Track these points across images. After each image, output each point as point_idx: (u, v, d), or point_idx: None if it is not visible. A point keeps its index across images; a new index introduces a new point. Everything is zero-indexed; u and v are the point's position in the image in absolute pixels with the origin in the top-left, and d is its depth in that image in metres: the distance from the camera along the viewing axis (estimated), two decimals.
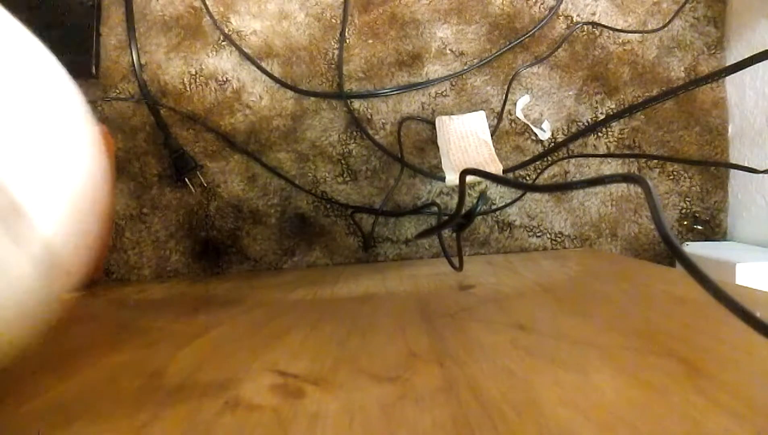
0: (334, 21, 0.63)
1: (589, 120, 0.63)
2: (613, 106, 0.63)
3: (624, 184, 0.63)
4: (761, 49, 0.43)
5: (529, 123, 0.63)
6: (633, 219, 0.63)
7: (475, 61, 0.63)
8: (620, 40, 0.63)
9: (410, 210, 0.63)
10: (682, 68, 0.63)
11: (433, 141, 0.62)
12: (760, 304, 0.33)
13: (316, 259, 0.64)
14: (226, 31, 0.63)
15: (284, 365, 0.27)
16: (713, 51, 0.63)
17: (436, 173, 0.62)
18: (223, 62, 0.63)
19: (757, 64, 0.45)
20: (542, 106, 0.63)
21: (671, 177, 0.63)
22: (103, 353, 0.32)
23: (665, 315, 0.32)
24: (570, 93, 0.63)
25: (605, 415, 0.19)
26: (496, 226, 0.63)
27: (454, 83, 0.63)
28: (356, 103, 0.63)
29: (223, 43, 0.63)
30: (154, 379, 0.26)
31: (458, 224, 0.45)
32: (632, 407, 0.20)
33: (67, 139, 0.21)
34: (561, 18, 0.63)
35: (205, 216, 0.64)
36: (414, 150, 0.63)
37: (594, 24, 0.63)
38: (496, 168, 0.56)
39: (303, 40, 0.63)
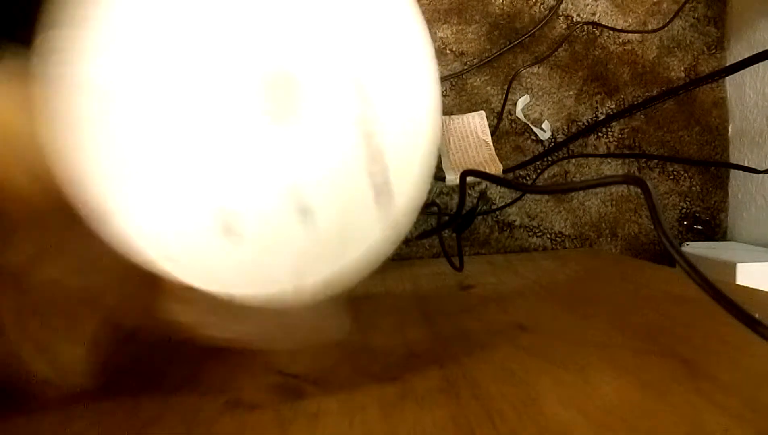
0: None
1: (589, 120, 0.63)
2: (613, 106, 0.63)
3: (624, 184, 0.63)
4: (761, 49, 0.43)
5: (529, 123, 0.63)
6: (633, 219, 0.63)
7: (475, 61, 0.63)
8: (620, 40, 0.63)
9: None
10: (682, 68, 0.63)
11: None
12: (760, 305, 0.33)
13: None
14: None
15: (284, 365, 0.27)
16: (713, 51, 0.63)
17: (436, 173, 0.62)
18: None
19: (757, 64, 0.45)
20: (542, 106, 0.63)
21: (671, 177, 0.63)
22: None
23: (665, 315, 0.32)
24: (570, 93, 0.63)
25: (605, 415, 0.19)
26: (496, 226, 0.63)
27: (454, 83, 0.63)
28: None
29: None
30: (155, 379, 0.26)
31: (458, 224, 0.45)
32: (632, 407, 0.20)
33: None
34: (561, 18, 0.63)
35: None
36: None
37: (594, 24, 0.63)
38: (496, 168, 0.56)
39: None
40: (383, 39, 0.21)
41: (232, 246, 0.20)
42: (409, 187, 0.22)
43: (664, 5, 0.63)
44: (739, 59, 0.47)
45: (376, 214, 0.21)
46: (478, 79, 0.63)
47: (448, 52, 0.63)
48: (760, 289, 0.36)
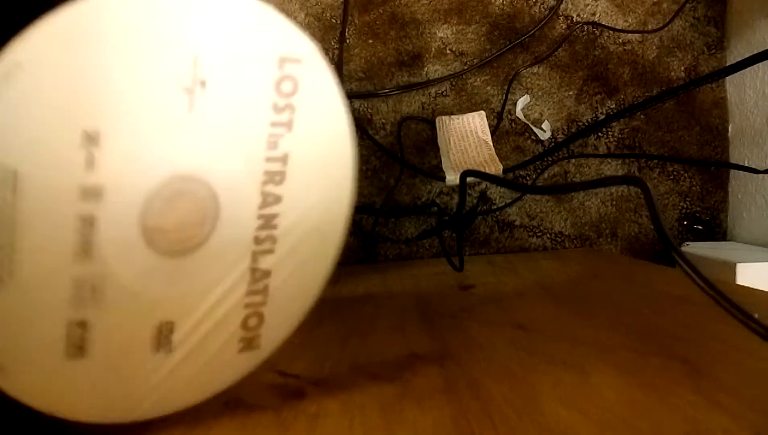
0: (334, 21, 0.63)
1: (589, 120, 0.63)
2: (613, 106, 0.63)
3: (624, 184, 0.63)
4: (761, 49, 0.43)
5: (529, 123, 0.63)
6: (633, 219, 0.63)
7: (475, 61, 0.63)
8: (620, 40, 0.63)
9: (410, 210, 0.63)
10: (682, 68, 0.63)
11: (433, 141, 0.62)
12: (760, 305, 0.33)
13: None
14: None
15: (284, 365, 0.27)
16: (713, 51, 0.63)
17: (436, 173, 0.62)
18: None
19: (757, 64, 0.45)
20: (542, 106, 0.63)
21: (671, 177, 0.63)
22: None
23: (665, 315, 0.32)
24: (570, 93, 0.63)
25: (605, 415, 0.19)
26: (496, 226, 0.63)
27: (454, 83, 0.63)
28: (356, 103, 0.63)
29: None
30: None
31: (458, 224, 0.45)
32: (632, 407, 0.20)
33: None
34: (561, 18, 0.63)
35: None
36: (414, 150, 0.63)
37: (594, 24, 0.63)
38: (496, 168, 0.56)
39: None
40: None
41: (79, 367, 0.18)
42: (275, 344, 0.23)
43: (664, 5, 0.63)
44: (739, 59, 0.47)
45: (238, 363, 0.22)
46: (478, 79, 0.63)
47: (448, 52, 0.63)
48: (760, 289, 0.36)
